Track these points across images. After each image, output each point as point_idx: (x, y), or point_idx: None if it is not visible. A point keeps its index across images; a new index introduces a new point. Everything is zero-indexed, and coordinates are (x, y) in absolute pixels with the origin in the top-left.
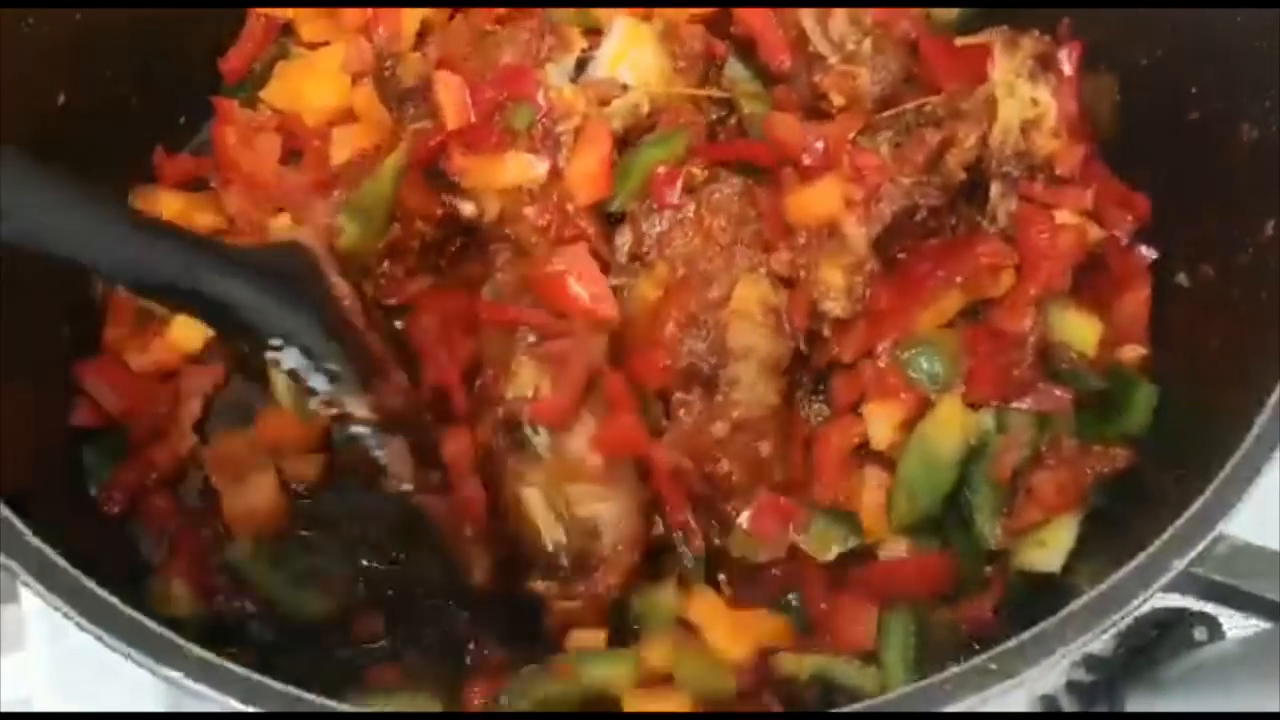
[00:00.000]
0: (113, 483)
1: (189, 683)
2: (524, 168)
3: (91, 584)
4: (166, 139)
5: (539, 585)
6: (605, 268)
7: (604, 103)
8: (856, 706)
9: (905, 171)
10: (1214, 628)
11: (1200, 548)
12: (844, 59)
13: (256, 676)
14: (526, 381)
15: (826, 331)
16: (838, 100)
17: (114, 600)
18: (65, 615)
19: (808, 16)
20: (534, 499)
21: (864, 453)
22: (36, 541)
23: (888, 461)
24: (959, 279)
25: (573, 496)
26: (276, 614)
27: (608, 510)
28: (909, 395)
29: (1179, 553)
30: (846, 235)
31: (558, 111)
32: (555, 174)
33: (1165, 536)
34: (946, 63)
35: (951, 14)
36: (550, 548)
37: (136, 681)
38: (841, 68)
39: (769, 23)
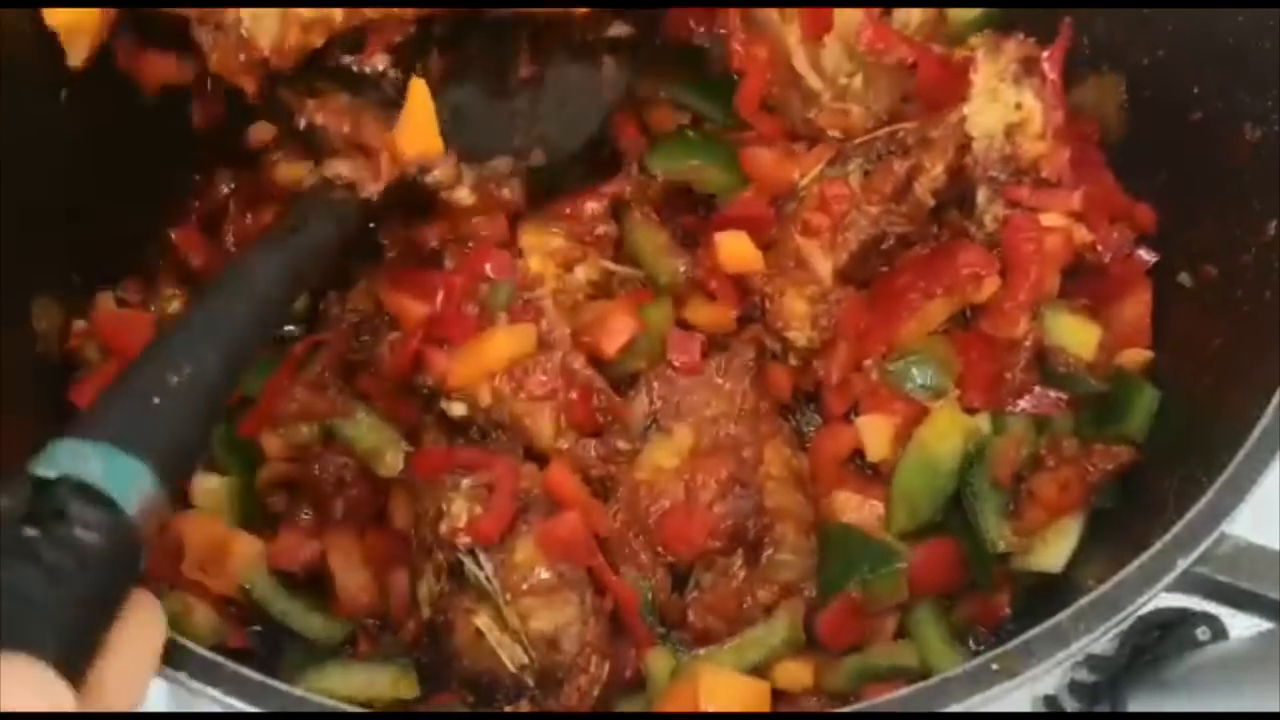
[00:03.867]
0: None
1: (192, 683)
2: (519, 337)
3: None
4: (170, 140)
5: (508, 710)
6: (607, 429)
7: (568, 266)
8: (857, 706)
9: (873, 201)
10: (1217, 628)
11: (1203, 547)
12: (835, 95)
13: (259, 677)
14: (459, 512)
15: (793, 360)
16: (833, 133)
17: None
18: None
19: (798, 52)
20: (487, 626)
21: (859, 462)
22: None
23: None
24: (940, 290)
25: (524, 611)
26: (289, 633)
27: (563, 618)
28: (902, 405)
29: (1182, 552)
30: (812, 264)
31: (530, 281)
32: (544, 341)
33: (1168, 536)
34: (942, 80)
35: (969, 16)
36: (513, 669)
37: None
38: (834, 105)
39: (759, 67)
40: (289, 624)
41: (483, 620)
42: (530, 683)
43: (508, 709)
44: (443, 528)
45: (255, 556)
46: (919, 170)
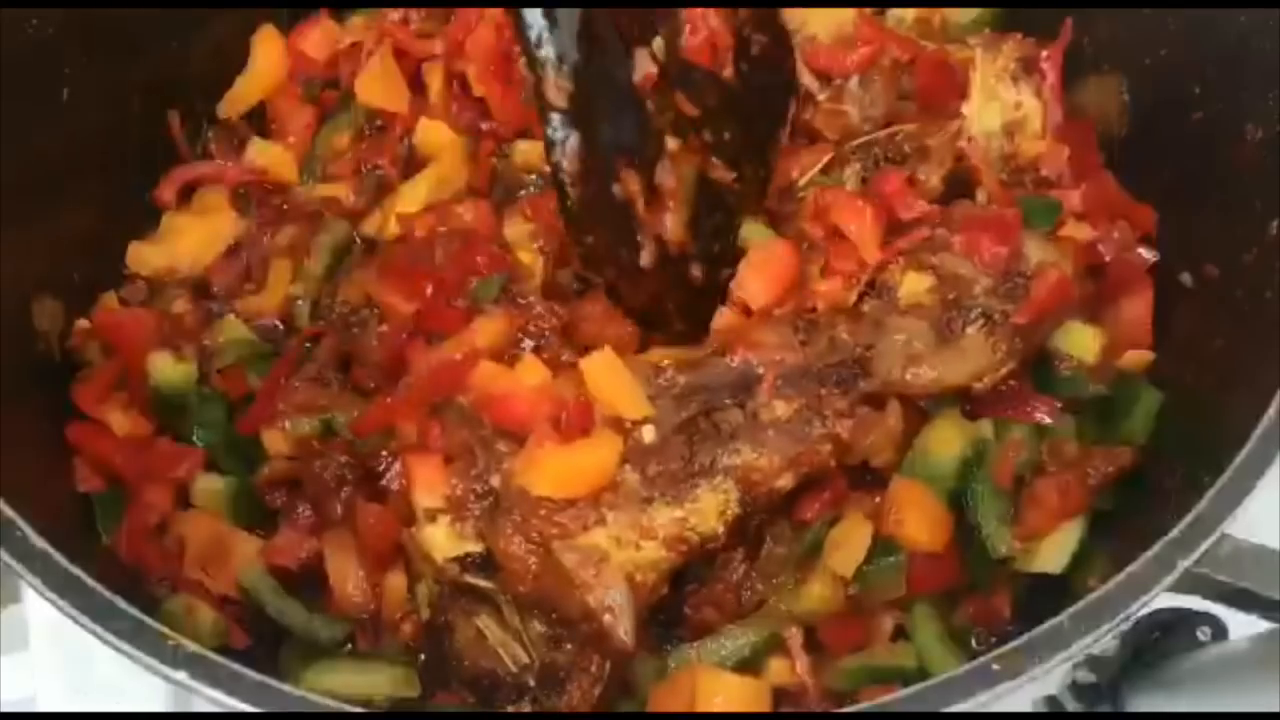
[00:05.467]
0: (120, 536)
1: (193, 683)
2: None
3: (94, 584)
4: (166, 140)
5: (509, 710)
6: None
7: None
8: (858, 707)
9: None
10: (1217, 628)
11: (1204, 548)
12: (831, 96)
13: (259, 677)
14: None
15: None
16: (830, 135)
17: (117, 600)
18: (68, 615)
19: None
20: (487, 626)
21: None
22: (41, 543)
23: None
24: None
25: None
26: (289, 633)
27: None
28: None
29: (1183, 552)
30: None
31: (520, 274)
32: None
33: (1169, 537)
34: (940, 80)
35: (968, 16)
36: (515, 669)
37: (140, 681)
38: (829, 106)
39: None
40: (286, 622)
41: (484, 620)
42: (531, 683)
43: (509, 709)
44: None
45: (253, 555)
46: (914, 181)
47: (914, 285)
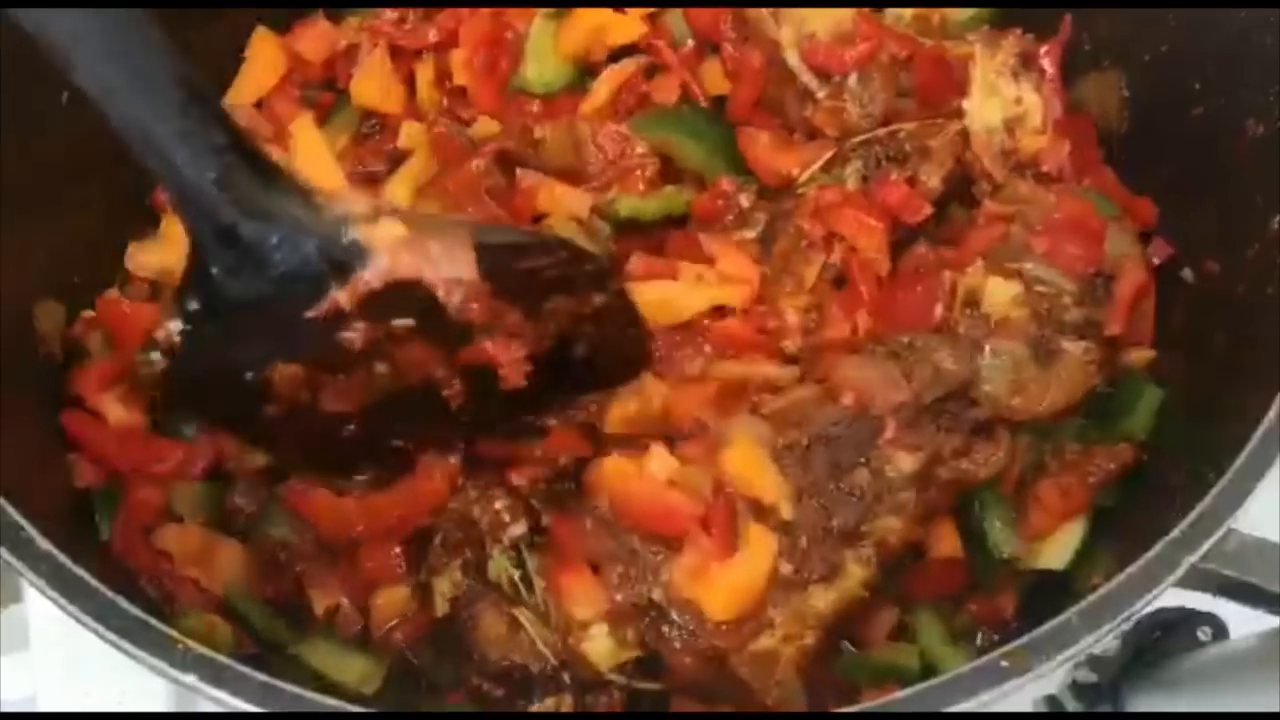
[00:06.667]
0: (117, 533)
1: (201, 685)
2: None
3: (97, 584)
4: None
5: (549, 703)
6: None
7: None
8: (859, 706)
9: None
10: (1218, 627)
11: (1210, 543)
12: (830, 94)
13: (260, 676)
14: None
15: None
16: (830, 132)
17: (120, 601)
18: (74, 618)
19: (791, 51)
20: (531, 621)
21: None
22: (45, 544)
23: None
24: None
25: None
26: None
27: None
28: None
29: (1189, 548)
30: (801, 275)
31: None
32: None
33: (1174, 533)
34: (939, 76)
35: (966, 14)
36: (555, 662)
37: (141, 681)
38: (829, 103)
39: (752, 74)
40: (272, 640)
41: (522, 612)
42: (568, 679)
43: (549, 701)
44: (484, 521)
45: (238, 567)
46: (915, 181)
47: (1000, 294)
